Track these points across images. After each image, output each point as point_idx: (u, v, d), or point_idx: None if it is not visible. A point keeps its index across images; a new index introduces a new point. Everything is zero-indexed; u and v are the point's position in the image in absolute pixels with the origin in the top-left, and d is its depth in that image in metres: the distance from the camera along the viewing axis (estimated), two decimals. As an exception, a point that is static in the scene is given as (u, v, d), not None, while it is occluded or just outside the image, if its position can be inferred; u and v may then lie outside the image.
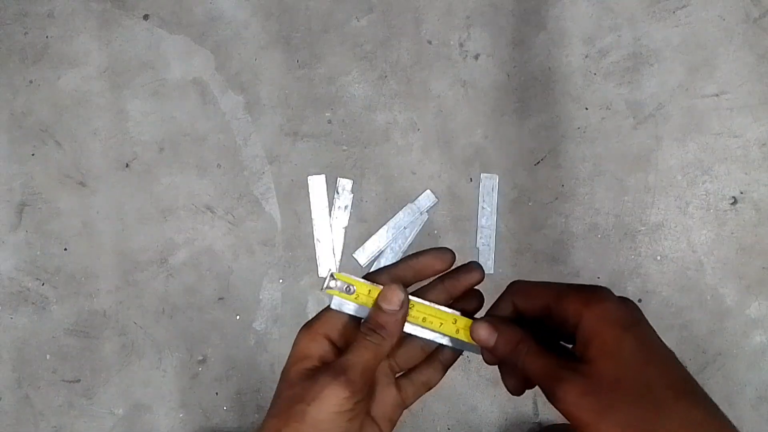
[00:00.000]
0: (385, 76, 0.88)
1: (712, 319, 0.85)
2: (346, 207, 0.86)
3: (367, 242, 0.86)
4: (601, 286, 0.33)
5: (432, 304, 0.36)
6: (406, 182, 0.87)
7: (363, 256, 0.86)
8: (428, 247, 0.37)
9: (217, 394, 0.86)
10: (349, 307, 0.35)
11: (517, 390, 0.36)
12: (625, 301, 0.32)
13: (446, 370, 0.38)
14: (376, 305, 0.35)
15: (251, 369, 0.85)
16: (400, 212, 0.86)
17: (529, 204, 0.87)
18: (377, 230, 0.86)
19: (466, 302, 0.38)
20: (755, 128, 0.87)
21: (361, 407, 0.33)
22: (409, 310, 0.35)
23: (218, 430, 0.86)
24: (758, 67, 0.87)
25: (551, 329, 0.35)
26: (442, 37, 0.89)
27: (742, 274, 0.86)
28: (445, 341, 0.36)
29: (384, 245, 0.86)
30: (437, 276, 0.38)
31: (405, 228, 0.86)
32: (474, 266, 0.38)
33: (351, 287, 0.35)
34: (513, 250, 0.86)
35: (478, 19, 0.89)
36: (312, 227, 0.86)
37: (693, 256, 0.87)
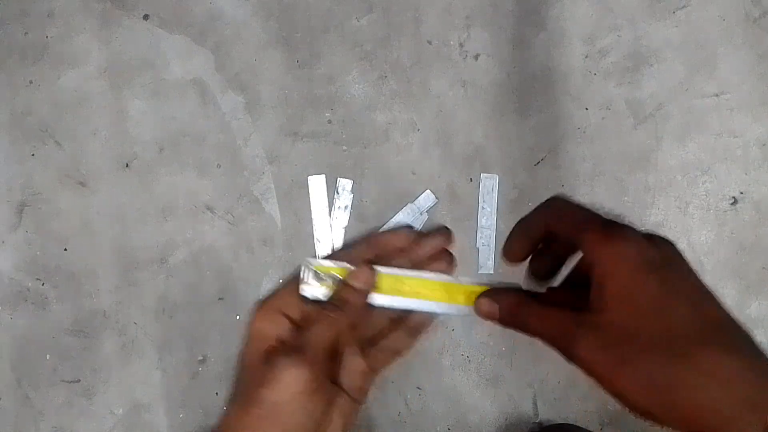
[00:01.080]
0: (385, 76, 0.88)
1: (712, 319, 0.85)
2: (346, 207, 0.86)
3: (367, 242, 0.86)
4: (626, 225, 0.29)
5: (411, 272, 0.36)
6: (406, 182, 0.87)
7: (363, 256, 0.86)
8: (395, 226, 0.39)
9: (217, 394, 0.86)
10: (322, 292, 0.35)
11: None
12: (653, 240, 0.28)
13: (418, 336, 0.38)
14: (345, 282, 0.35)
15: (251, 369, 0.85)
16: (400, 212, 0.86)
17: (529, 204, 0.87)
18: (377, 230, 0.86)
19: (433, 263, 0.37)
20: (755, 128, 0.87)
21: (324, 383, 0.33)
22: (401, 285, 0.36)
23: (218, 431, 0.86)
24: (758, 67, 0.87)
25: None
26: (442, 37, 0.89)
27: (742, 274, 0.86)
28: (424, 307, 0.36)
29: (384, 245, 0.86)
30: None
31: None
32: (441, 231, 0.39)
33: (326, 275, 0.35)
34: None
35: (478, 19, 0.89)
36: (312, 227, 0.86)
37: (693, 255, 0.87)
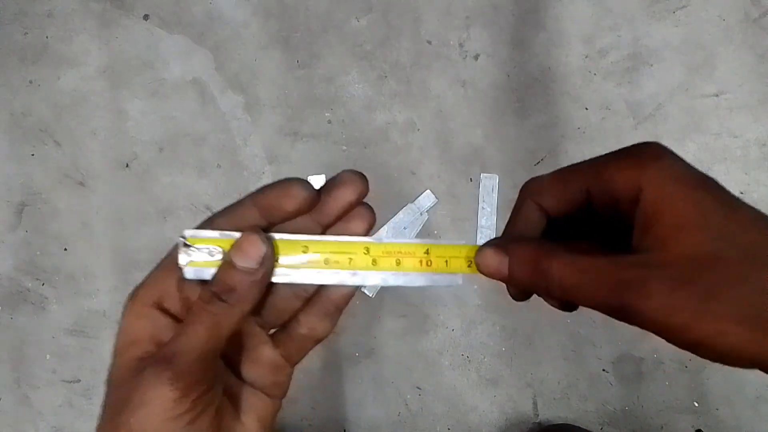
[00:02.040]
0: (385, 76, 0.88)
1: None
2: (345, 207, 0.86)
3: (367, 242, 0.86)
4: (648, 142, 0.24)
5: (317, 237, 0.27)
6: (406, 182, 0.87)
7: (363, 256, 0.86)
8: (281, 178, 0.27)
9: (216, 394, 0.86)
10: (209, 273, 0.26)
11: (569, 307, 0.27)
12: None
13: (336, 315, 0.29)
14: (227, 261, 0.25)
15: (251, 369, 0.85)
16: (400, 212, 0.86)
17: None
18: (377, 230, 0.86)
19: (347, 223, 0.28)
20: (755, 128, 0.87)
21: (205, 403, 0.25)
22: (307, 253, 0.27)
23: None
24: (758, 67, 0.87)
25: (592, 227, 0.27)
26: (442, 37, 0.89)
27: (741, 274, 0.86)
28: (340, 279, 0.28)
29: (384, 245, 0.86)
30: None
31: (405, 228, 0.86)
32: (346, 178, 0.27)
33: (214, 249, 0.26)
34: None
35: (477, 19, 0.89)
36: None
37: (693, 256, 0.87)
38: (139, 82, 0.89)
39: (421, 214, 0.86)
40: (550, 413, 0.84)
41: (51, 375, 0.87)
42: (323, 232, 0.28)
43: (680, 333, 0.21)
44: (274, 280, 0.27)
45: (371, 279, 0.28)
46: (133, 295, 0.26)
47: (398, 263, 0.28)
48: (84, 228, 0.88)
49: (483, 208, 0.86)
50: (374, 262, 0.28)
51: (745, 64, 0.87)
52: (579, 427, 0.81)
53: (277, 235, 0.27)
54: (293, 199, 0.26)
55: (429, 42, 0.89)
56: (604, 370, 0.85)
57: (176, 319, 0.26)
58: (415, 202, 0.86)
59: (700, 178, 0.23)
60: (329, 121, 0.88)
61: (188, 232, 0.26)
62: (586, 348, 0.85)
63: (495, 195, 0.86)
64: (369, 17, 0.89)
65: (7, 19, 0.90)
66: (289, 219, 0.27)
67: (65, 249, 0.88)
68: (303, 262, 0.27)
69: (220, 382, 0.27)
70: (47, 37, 0.90)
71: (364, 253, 0.28)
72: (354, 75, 0.88)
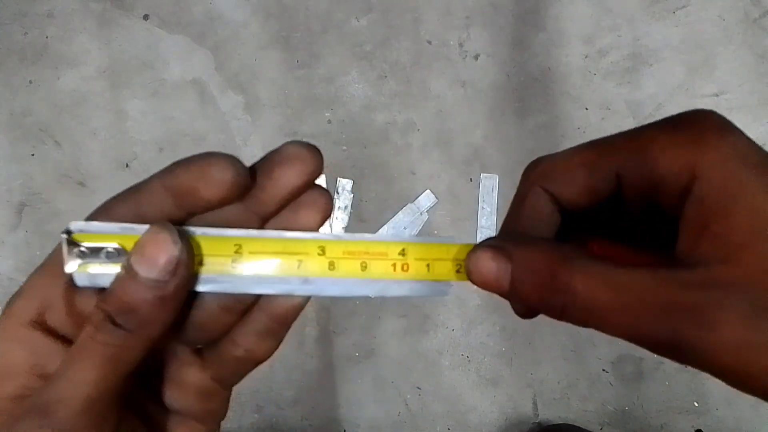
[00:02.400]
0: (385, 76, 0.88)
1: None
2: (346, 207, 0.86)
3: (367, 242, 0.86)
4: (703, 110, 0.18)
5: (255, 233, 0.20)
6: (406, 182, 0.87)
7: (363, 256, 0.86)
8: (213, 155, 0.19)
9: (216, 394, 0.86)
10: (106, 280, 0.19)
11: (531, 314, 0.21)
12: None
13: (284, 330, 0.21)
14: (126, 270, 0.18)
15: (251, 369, 0.85)
16: (400, 212, 0.86)
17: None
18: (377, 230, 0.86)
19: (295, 213, 0.21)
20: (755, 128, 0.87)
21: None
22: (241, 254, 0.20)
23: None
24: (758, 67, 0.87)
25: (615, 224, 0.20)
26: (442, 37, 0.89)
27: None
28: (285, 288, 0.20)
29: (384, 245, 0.86)
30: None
31: (405, 228, 0.86)
32: (288, 153, 0.20)
33: (112, 248, 0.19)
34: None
35: (477, 19, 0.89)
36: (312, 227, 0.87)
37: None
38: (139, 82, 0.89)
39: (421, 214, 0.86)
40: (550, 413, 0.84)
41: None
42: (262, 226, 0.21)
43: (760, 379, 0.16)
44: (196, 289, 0.20)
45: (329, 289, 0.21)
46: (7, 311, 0.19)
47: (364, 267, 0.21)
48: (84, 228, 0.88)
49: (483, 208, 0.86)
50: (332, 265, 0.21)
51: (745, 64, 0.87)
52: (579, 427, 0.81)
53: (198, 230, 0.20)
54: (214, 185, 0.19)
55: (429, 42, 0.89)
56: (604, 370, 0.85)
57: (65, 339, 0.19)
58: (415, 202, 0.86)
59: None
60: (329, 121, 0.88)
61: (75, 226, 0.19)
62: (586, 348, 0.85)
63: (495, 195, 0.86)
64: (369, 17, 0.89)
65: (7, 19, 0.90)
66: (212, 209, 0.20)
67: (65, 249, 0.88)
68: (235, 266, 0.20)
69: (125, 427, 0.20)
70: (47, 37, 0.90)
71: (319, 254, 0.21)
72: (354, 75, 0.88)
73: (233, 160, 0.19)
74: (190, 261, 0.19)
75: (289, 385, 0.85)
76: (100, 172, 0.88)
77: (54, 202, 0.88)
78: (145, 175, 0.21)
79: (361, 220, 0.86)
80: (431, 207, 0.86)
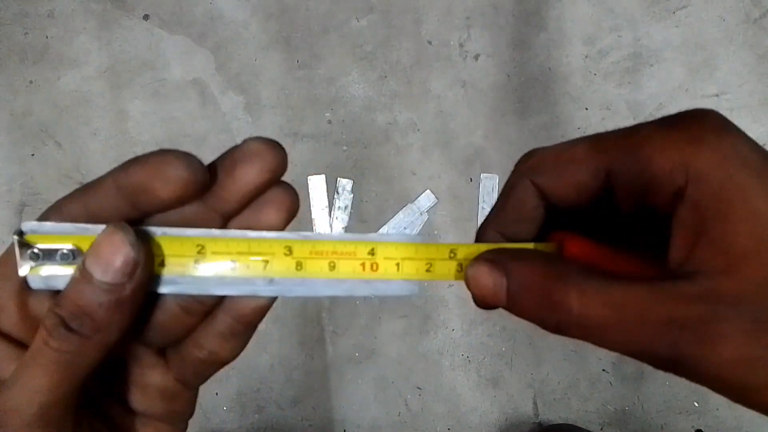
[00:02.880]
0: (385, 77, 0.88)
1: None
2: (346, 207, 0.86)
3: (367, 242, 0.86)
4: (702, 109, 0.17)
5: (217, 232, 0.19)
6: (406, 182, 0.87)
7: (363, 256, 0.86)
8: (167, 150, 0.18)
9: (216, 394, 0.86)
10: (60, 281, 0.18)
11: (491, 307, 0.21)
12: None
13: (249, 330, 0.21)
14: (80, 272, 0.17)
15: (251, 369, 0.85)
16: (400, 212, 0.86)
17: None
18: (377, 230, 0.86)
19: (258, 212, 0.20)
20: (755, 128, 0.87)
21: None
22: (203, 254, 0.19)
23: (218, 431, 0.86)
24: (758, 68, 0.87)
25: (602, 223, 0.20)
26: (442, 37, 0.89)
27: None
28: (263, 292, 0.20)
29: (384, 245, 0.86)
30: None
31: (405, 228, 0.86)
32: (249, 150, 0.19)
33: (66, 249, 0.18)
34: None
35: (478, 20, 0.89)
36: (312, 227, 0.86)
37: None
38: (139, 83, 0.89)
39: (421, 214, 0.86)
40: (550, 413, 0.84)
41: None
42: (225, 225, 0.20)
43: (760, 394, 0.16)
44: (157, 290, 0.19)
45: (296, 290, 0.20)
46: None
47: (332, 267, 0.21)
48: (84, 228, 0.88)
49: (483, 208, 0.86)
50: (299, 265, 0.20)
51: (746, 64, 0.87)
52: (579, 428, 0.81)
53: (158, 230, 0.19)
54: (169, 183, 0.18)
55: (429, 42, 0.89)
56: (604, 370, 0.85)
57: (18, 343, 0.18)
58: (415, 202, 0.86)
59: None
60: (329, 122, 0.88)
61: (27, 226, 0.18)
62: (586, 348, 0.85)
63: (495, 195, 0.86)
64: (369, 18, 0.89)
65: (8, 20, 0.90)
66: (169, 209, 0.19)
67: (66, 249, 0.88)
68: (198, 267, 0.19)
69: (87, 428, 0.19)
70: (48, 38, 0.90)
71: (285, 254, 0.20)
72: (354, 75, 0.88)
73: (189, 158, 0.18)
74: (149, 263, 0.18)
75: (290, 386, 0.85)
76: (101, 172, 0.88)
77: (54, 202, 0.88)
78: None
79: (361, 221, 0.86)
80: (431, 207, 0.86)
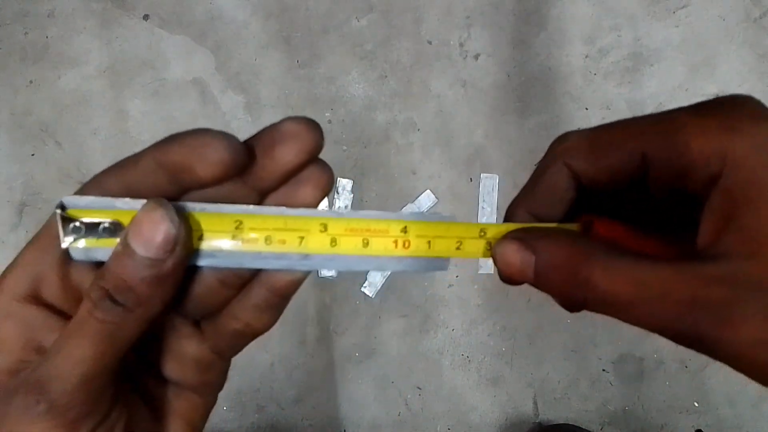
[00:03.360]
0: (385, 76, 0.88)
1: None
2: (346, 207, 0.86)
3: (368, 242, 0.86)
4: (740, 95, 0.18)
5: (254, 209, 0.20)
6: (406, 182, 0.87)
7: (363, 255, 0.86)
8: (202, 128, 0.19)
9: (217, 393, 0.86)
10: (102, 253, 0.19)
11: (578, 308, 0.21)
12: None
13: (283, 303, 0.21)
14: (122, 246, 0.18)
15: (251, 369, 0.85)
16: (400, 212, 0.86)
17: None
18: (377, 230, 0.86)
19: (295, 189, 0.20)
20: (755, 128, 0.87)
21: (105, 428, 0.18)
22: (242, 229, 0.20)
23: (218, 430, 0.86)
24: (758, 67, 0.87)
25: (635, 207, 0.21)
26: (442, 37, 0.89)
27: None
28: (288, 263, 0.20)
29: (384, 245, 0.86)
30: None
31: (405, 228, 0.86)
32: (287, 130, 0.20)
33: (107, 223, 0.19)
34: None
35: (478, 19, 0.89)
36: (312, 227, 0.87)
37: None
38: (139, 82, 0.89)
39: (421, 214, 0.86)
40: (550, 413, 0.84)
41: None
42: (261, 201, 0.21)
43: None
44: (196, 264, 0.20)
45: (329, 265, 0.21)
46: None
47: (366, 244, 0.21)
48: (85, 228, 0.88)
49: (483, 207, 0.86)
50: (334, 242, 0.21)
51: (746, 63, 0.87)
52: (579, 427, 0.81)
53: (197, 205, 0.20)
54: (210, 164, 0.18)
55: (429, 42, 0.89)
56: (604, 370, 0.85)
57: (60, 313, 0.19)
58: (416, 201, 0.86)
59: None
60: (330, 121, 0.88)
61: (69, 201, 0.19)
62: (586, 348, 0.85)
63: (495, 195, 0.86)
64: (369, 17, 0.89)
65: (8, 19, 0.90)
66: (208, 187, 0.20)
67: (66, 249, 0.88)
68: (236, 242, 0.20)
69: (122, 401, 0.20)
70: (48, 37, 0.90)
71: (321, 231, 0.21)
72: (354, 75, 0.88)
73: (230, 139, 0.19)
74: (188, 238, 0.19)
75: (290, 385, 0.85)
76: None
77: (55, 202, 0.88)
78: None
79: (362, 220, 0.87)
80: (431, 207, 0.86)
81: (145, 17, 0.90)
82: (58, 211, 0.19)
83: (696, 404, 0.84)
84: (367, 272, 0.85)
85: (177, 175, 0.19)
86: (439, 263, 0.22)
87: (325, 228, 0.21)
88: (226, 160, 0.19)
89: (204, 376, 0.22)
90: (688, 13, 0.88)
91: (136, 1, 0.90)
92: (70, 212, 0.19)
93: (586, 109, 0.87)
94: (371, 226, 0.21)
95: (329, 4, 0.89)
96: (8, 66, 0.89)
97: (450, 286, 0.85)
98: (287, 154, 0.20)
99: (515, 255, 0.20)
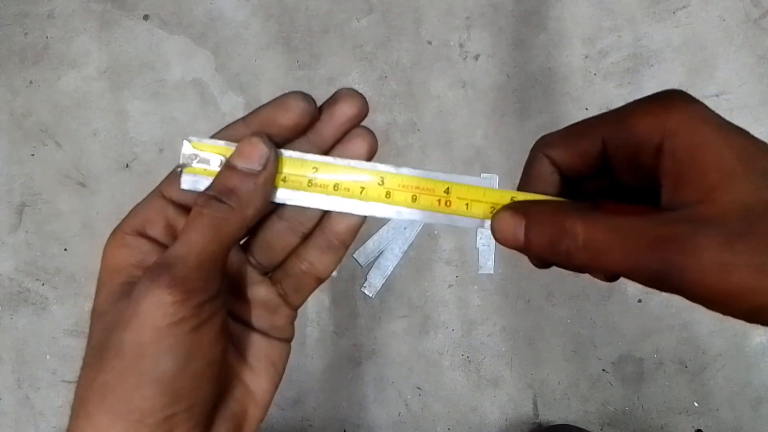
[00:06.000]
0: (385, 77, 0.88)
1: (712, 320, 0.85)
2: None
3: (368, 242, 0.86)
4: (673, 89, 0.22)
5: (327, 158, 0.25)
6: (406, 183, 0.87)
7: (363, 256, 0.86)
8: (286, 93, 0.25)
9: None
10: (207, 183, 0.24)
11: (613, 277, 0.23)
12: None
13: (343, 248, 0.26)
14: (227, 164, 0.23)
15: (251, 369, 0.85)
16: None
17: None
18: (377, 230, 0.86)
19: (345, 146, 0.26)
20: (755, 128, 0.87)
21: (210, 311, 0.22)
22: (315, 175, 0.24)
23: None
24: (758, 68, 0.87)
25: (610, 190, 0.25)
26: (442, 37, 0.89)
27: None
28: (354, 208, 0.25)
29: (384, 245, 0.86)
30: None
31: (405, 228, 0.86)
32: (344, 93, 0.26)
33: (211, 158, 0.24)
34: (513, 251, 0.86)
35: (478, 20, 0.89)
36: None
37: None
38: (139, 83, 0.89)
39: (421, 214, 0.86)
40: (550, 414, 0.84)
41: (51, 376, 0.87)
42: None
43: (738, 297, 0.18)
44: (276, 200, 0.24)
45: (384, 211, 0.25)
46: (116, 228, 0.24)
47: (414, 199, 0.25)
48: (84, 228, 0.88)
49: (483, 208, 0.86)
50: (388, 194, 0.25)
51: (746, 64, 0.87)
52: (579, 428, 0.81)
53: (284, 152, 0.25)
54: (291, 112, 0.24)
55: (429, 42, 0.89)
56: (604, 370, 0.85)
57: (161, 244, 0.24)
58: (416, 202, 0.86)
59: (729, 123, 0.21)
60: (329, 122, 0.88)
61: (194, 138, 0.25)
62: (586, 348, 0.85)
63: (495, 195, 0.86)
64: (369, 18, 0.89)
65: (8, 20, 0.90)
66: (286, 136, 0.25)
67: (65, 249, 0.88)
68: (309, 185, 0.25)
69: (224, 298, 0.23)
70: (48, 38, 0.90)
71: (379, 184, 0.25)
72: (354, 75, 0.88)
73: (305, 95, 0.25)
74: (276, 161, 0.24)
75: (290, 386, 0.85)
76: (101, 172, 0.88)
77: (54, 203, 0.88)
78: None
79: (362, 221, 0.87)
80: (432, 207, 0.86)
81: (145, 18, 0.90)
82: (186, 142, 0.24)
83: (696, 405, 0.84)
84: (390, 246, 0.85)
85: (263, 127, 0.24)
86: (476, 222, 0.26)
87: (382, 181, 0.25)
88: (302, 107, 0.24)
89: (275, 320, 0.26)
90: (688, 14, 0.88)
91: (136, 2, 0.90)
92: (194, 145, 0.24)
93: (586, 109, 0.87)
94: (420, 184, 0.26)
95: (329, 4, 0.89)
96: (8, 67, 0.90)
97: (450, 286, 0.85)
98: (345, 110, 0.25)
99: (509, 221, 0.24)
